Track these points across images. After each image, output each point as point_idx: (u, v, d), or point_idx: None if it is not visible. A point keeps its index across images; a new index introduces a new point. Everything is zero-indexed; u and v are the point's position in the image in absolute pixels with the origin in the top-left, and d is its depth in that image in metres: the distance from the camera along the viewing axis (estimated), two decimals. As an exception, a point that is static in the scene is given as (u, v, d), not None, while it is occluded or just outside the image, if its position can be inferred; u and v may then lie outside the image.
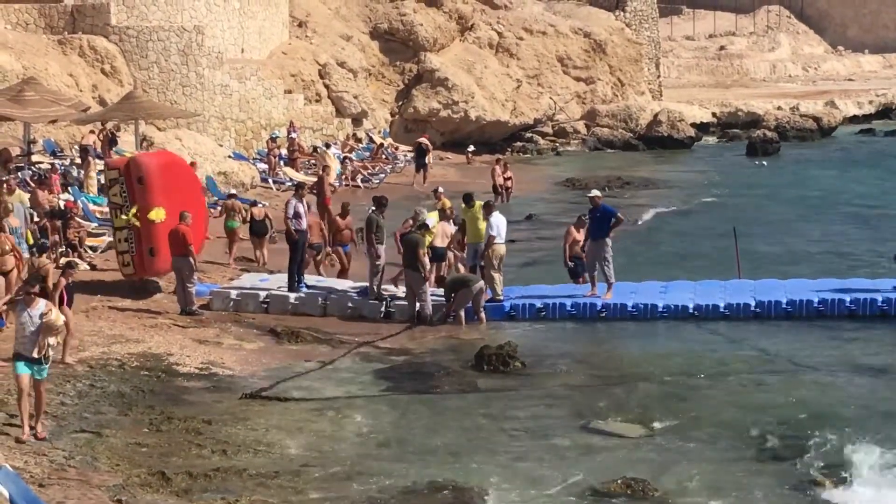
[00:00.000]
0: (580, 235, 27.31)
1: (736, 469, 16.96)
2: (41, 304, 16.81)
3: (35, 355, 16.59)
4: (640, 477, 16.37)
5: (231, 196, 32.80)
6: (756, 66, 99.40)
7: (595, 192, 27.45)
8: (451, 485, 16.18)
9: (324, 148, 48.94)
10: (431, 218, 27.23)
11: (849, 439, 17.94)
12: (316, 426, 18.73)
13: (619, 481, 16.22)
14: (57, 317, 16.78)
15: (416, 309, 25.41)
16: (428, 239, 26.26)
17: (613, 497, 15.89)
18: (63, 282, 20.91)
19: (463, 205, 27.55)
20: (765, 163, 58.49)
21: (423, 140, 51.04)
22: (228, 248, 30.94)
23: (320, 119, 53.82)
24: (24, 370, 16.59)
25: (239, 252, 31.16)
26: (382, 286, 26.33)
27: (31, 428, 16.54)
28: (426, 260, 25.69)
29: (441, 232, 27.11)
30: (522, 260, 32.25)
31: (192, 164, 37.24)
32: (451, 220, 27.83)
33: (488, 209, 26.78)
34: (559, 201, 45.29)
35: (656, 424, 18.87)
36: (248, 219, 31.20)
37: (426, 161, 49.48)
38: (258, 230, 30.56)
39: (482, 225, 26.49)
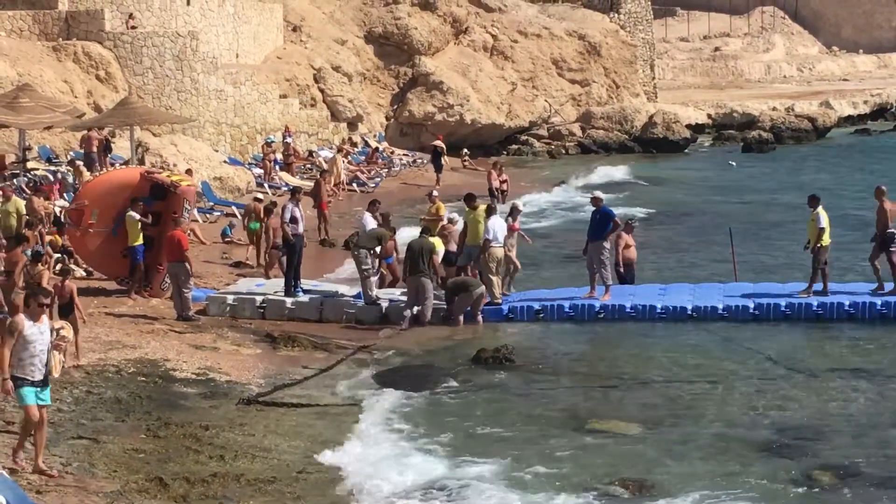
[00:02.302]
0: (631, 240, 27.42)
1: (733, 467, 16.96)
2: (46, 319, 15.47)
3: (41, 377, 15.14)
4: (637, 475, 16.39)
5: (256, 199, 33.10)
6: (751, 67, 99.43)
7: (597, 194, 27.48)
8: (449, 486, 16.17)
9: (331, 152, 49.25)
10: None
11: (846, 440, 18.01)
12: (313, 431, 18.70)
13: (616, 480, 16.25)
14: (69, 330, 16.28)
15: (415, 313, 25.38)
16: (439, 244, 26.21)
17: (611, 495, 15.90)
18: (74, 287, 21.28)
19: (466, 207, 27.59)
20: (733, 163, 58.45)
21: (438, 142, 51.41)
22: (253, 248, 31.44)
23: (315, 123, 53.77)
24: (33, 400, 15.04)
25: (237, 256, 31.45)
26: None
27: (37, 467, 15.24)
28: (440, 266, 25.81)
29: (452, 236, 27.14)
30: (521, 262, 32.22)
31: (188, 171, 37.24)
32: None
33: (489, 212, 26.83)
34: (556, 203, 45.31)
35: (654, 423, 18.87)
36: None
37: (442, 162, 50.06)
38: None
39: (482, 228, 26.49)
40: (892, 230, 25.86)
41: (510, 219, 27.13)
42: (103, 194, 27.71)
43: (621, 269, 27.53)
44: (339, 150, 49.06)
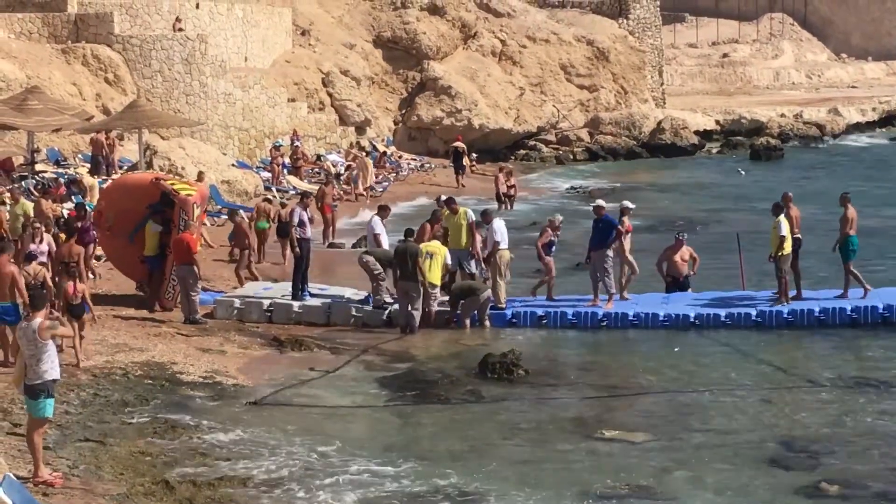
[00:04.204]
0: (678, 255, 27.35)
1: (739, 477, 16.95)
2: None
3: None
4: (643, 483, 16.42)
5: (266, 200, 34.02)
6: (759, 74, 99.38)
7: (599, 203, 27.44)
8: (456, 491, 16.21)
9: (339, 157, 49.62)
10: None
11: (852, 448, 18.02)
12: (320, 434, 18.73)
13: (622, 488, 16.27)
14: None
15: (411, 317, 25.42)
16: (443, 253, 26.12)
17: (617, 503, 15.91)
18: (86, 288, 21.68)
19: (445, 210, 27.64)
20: (743, 171, 58.31)
21: (459, 143, 51.77)
22: (257, 247, 32.14)
23: (324, 127, 53.86)
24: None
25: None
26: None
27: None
28: (429, 270, 25.74)
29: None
30: (531, 269, 32.21)
31: (200, 174, 37.29)
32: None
33: (487, 217, 26.82)
34: (564, 209, 45.27)
35: (659, 432, 18.89)
36: (276, 219, 32.37)
37: (464, 163, 50.44)
38: (285, 231, 30.78)
39: (465, 232, 26.58)
40: (799, 236, 26.16)
41: (624, 219, 26.88)
42: (118, 199, 27.59)
43: (669, 279, 27.56)
44: (368, 154, 49.58)
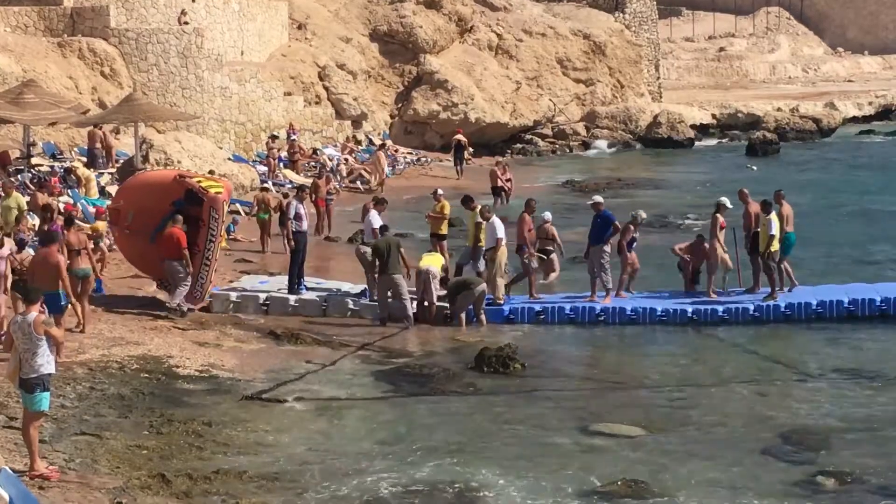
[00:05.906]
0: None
1: (735, 471, 16.95)
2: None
3: None
4: (639, 478, 16.41)
5: (263, 190, 35.13)
6: (756, 68, 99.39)
7: (597, 198, 27.42)
8: (452, 485, 16.21)
9: (336, 150, 49.61)
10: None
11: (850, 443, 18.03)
12: (316, 427, 18.75)
13: (618, 482, 16.25)
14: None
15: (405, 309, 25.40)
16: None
17: (613, 498, 15.90)
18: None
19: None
20: (754, 167, 58.16)
21: (460, 136, 51.88)
22: (260, 237, 33.24)
23: (320, 121, 53.84)
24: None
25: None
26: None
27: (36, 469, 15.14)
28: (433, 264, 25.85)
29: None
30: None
31: (210, 171, 37.09)
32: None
33: (485, 216, 26.80)
34: (559, 203, 45.25)
35: (655, 426, 18.89)
36: (279, 210, 32.44)
37: (465, 156, 51.55)
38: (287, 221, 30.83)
39: (475, 230, 26.64)
40: (758, 230, 26.31)
41: (717, 215, 26.65)
42: (139, 197, 26.57)
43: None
44: (381, 147, 49.66)
